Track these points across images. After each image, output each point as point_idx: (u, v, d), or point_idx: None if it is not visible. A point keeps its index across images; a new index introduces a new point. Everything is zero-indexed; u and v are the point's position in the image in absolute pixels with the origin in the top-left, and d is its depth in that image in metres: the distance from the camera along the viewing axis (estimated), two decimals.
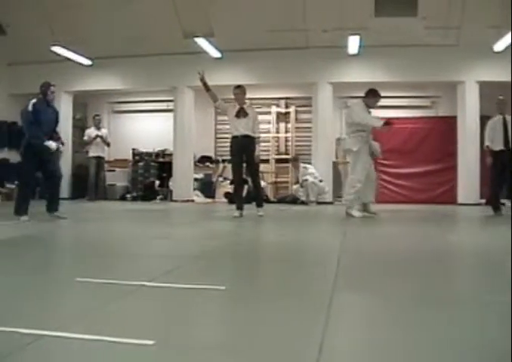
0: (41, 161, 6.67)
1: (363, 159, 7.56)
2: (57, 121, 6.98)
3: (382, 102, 12.62)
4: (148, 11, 10.45)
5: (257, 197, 7.84)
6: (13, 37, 11.02)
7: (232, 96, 7.79)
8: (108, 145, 12.15)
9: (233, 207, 7.76)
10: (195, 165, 12.75)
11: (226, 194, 11.87)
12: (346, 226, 6.33)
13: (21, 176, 7.07)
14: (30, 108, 6.52)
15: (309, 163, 11.72)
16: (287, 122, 13.40)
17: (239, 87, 7.79)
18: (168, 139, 12.53)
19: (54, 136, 6.90)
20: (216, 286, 2.67)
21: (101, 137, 11.98)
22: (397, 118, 12.24)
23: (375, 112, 12.56)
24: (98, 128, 12.09)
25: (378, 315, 2.26)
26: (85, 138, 11.99)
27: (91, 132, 11.91)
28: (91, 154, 11.98)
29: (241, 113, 7.49)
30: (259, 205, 7.65)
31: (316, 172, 11.34)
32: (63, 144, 7.60)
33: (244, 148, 7.42)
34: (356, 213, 7.43)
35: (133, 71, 12.12)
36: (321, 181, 11.25)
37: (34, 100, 6.61)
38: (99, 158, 12.01)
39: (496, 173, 7.91)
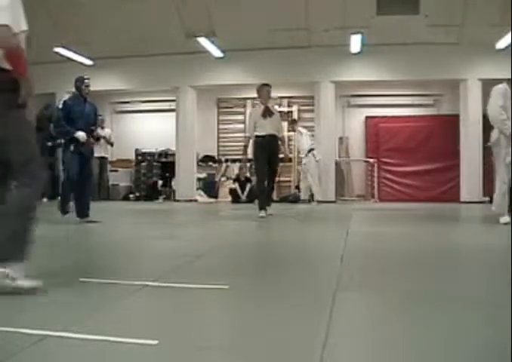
0: (81, 161, 6.53)
1: (499, 153, 6.12)
2: (95, 116, 6.83)
3: (384, 100, 12.82)
4: (150, 11, 10.45)
5: (269, 196, 7.83)
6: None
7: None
8: (111, 145, 12.09)
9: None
10: (198, 165, 12.74)
11: (231, 191, 11.86)
12: (349, 225, 6.32)
13: (65, 176, 6.70)
14: (60, 105, 6.48)
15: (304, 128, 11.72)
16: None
17: (266, 85, 7.77)
18: (170, 139, 12.53)
19: (93, 131, 6.81)
20: (219, 286, 2.67)
21: (104, 138, 11.93)
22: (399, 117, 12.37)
23: (379, 111, 12.65)
24: (101, 128, 12.03)
25: (381, 313, 2.25)
26: None
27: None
28: (94, 154, 11.88)
29: (267, 113, 7.52)
30: (268, 204, 7.62)
31: (309, 140, 11.34)
32: (98, 139, 7.73)
33: (270, 147, 7.45)
34: (502, 219, 6.09)
35: (135, 71, 12.11)
36: (317, 161, 11.27)
37: (66, 97, 6.59)
38: (102, 159, 11.92)
39: None
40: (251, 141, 7.78)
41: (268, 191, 7.75)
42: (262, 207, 7.34)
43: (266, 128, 7.44)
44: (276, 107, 12.84)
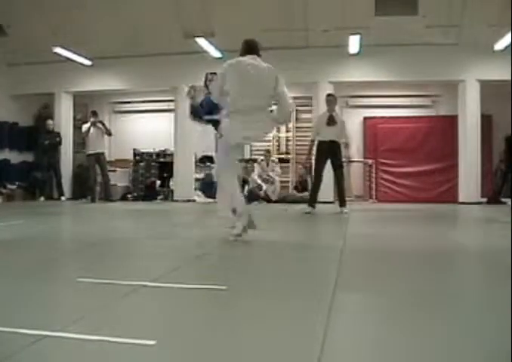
0: None
1: None
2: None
3: (383, 101, 12.83)
4: (148, 11, 10.44)
5: (341, 197, 8.30)
6: (14, 38, 11.03)
7: None
8: (109, 134, 11.75)
9: None
10: (196, 165, 12.73)
11: None
12: (347, 226, 6.33)
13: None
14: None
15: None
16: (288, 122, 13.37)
17: (331, 95, 8.62)
18: (168, 139, 12.51)
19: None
20: (217, 286, 2.67)
21: (103, 125, 11.64)
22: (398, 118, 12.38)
23: (378, 112, 12.66)
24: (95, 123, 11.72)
25: (380, 315, 2.26)
26: (83, 130, 11.73)
27: (87, 126, 11.61)
28: (90, 151, 11.57)
29: (331, 121, 8.19)
30: (342, 205, 8.17)
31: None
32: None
33: (330, 152, 8.11)
34: None
35: (133, 71, 12.10)
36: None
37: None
38: (98, 155, 11.55)
39: None
40: (315, 143, 8.47)
41: (339, 192, 8.39)
42: (310, 204, 8.21)
43: (328, 135, 8.13)
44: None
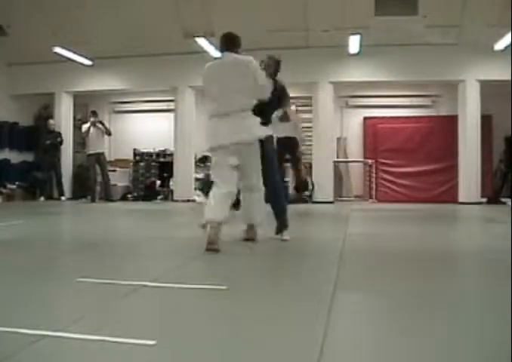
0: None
1: None
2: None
3: (383, 101, 12.82)
4: (148, 11, 10.43)
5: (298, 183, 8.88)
6: (14, 37, 11.03)
7: None
8: (109, 134, 11.78)
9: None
10: (196, 165, 12.72)
11: None
12: (348, 226, 6.32)
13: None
14: None
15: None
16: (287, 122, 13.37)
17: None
18: (168, 139, 12.52)
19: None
20: (217, 286, 2.67)
21: (100, 122, 11.60)
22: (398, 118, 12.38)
23: (377, 112, 12.65)
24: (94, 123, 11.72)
25: (380, 315, 2.25)
26: (83, 130, 11.75)
27: (87, 126, 11.65)
28: (90, 151, 11.57)
29: (284, 118, 8.12)
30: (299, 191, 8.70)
31: None
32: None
33: (286, 149, 8.05)
34: None
35: (134, 71, 12.10)
36: None
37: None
38: (98, 155, 11.55)
39: None
40: None
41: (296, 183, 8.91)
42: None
43: (281, 132, 7.98)
44: None
